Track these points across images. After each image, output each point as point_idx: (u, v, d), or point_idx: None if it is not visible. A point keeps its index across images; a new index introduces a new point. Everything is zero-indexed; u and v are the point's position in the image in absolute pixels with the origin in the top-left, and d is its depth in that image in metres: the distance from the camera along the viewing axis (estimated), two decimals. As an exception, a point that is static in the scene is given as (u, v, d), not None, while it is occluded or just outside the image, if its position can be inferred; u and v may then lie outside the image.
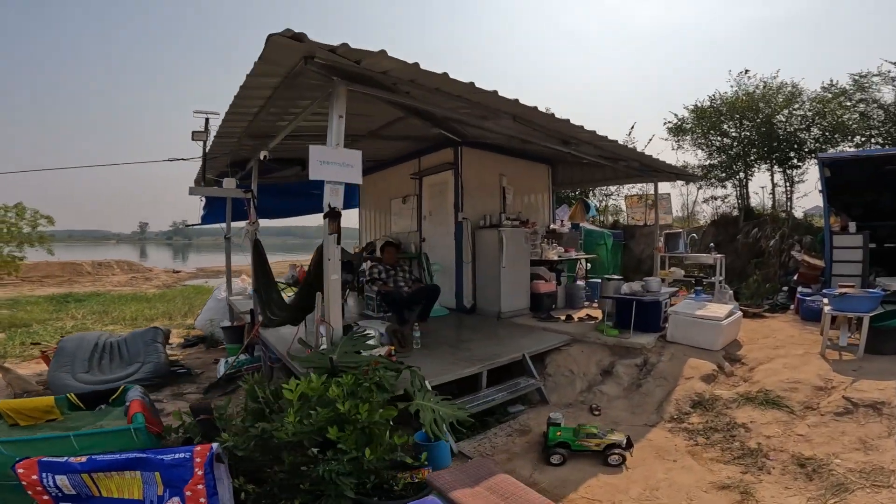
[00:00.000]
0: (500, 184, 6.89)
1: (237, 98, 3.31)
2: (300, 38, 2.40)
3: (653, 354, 4.41)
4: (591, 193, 12.25)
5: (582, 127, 4.35)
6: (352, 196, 9.05)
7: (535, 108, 3.62)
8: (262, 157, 4.65)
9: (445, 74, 3.03)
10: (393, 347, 3.55)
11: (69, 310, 10.16)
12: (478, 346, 4.35)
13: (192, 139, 4.70)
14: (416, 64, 2.83)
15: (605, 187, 12.29)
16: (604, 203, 12.83)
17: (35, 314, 9.43)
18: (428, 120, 4.44)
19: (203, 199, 7.32)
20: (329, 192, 2.92)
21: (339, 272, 2.96)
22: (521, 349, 4.20)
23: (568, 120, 4.19)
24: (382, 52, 2.68)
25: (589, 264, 8.20)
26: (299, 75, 2.99)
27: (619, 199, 12.75)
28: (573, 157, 6.70)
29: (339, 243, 2.96)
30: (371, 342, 3.28)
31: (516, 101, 3.55)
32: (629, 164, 5.97)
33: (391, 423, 2.25)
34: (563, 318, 5.64)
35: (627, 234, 10.64)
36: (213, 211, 7.49)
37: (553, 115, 3.92)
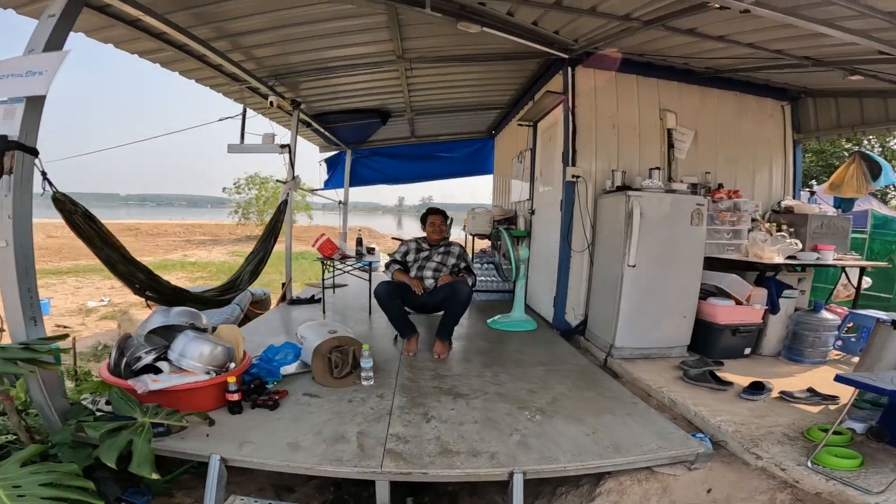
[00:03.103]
0: (661, 125, 3.98)
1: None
2: None
3: None
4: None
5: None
6: (487, 161, 7.40)
7: None
8: (270, 103, 3.78)
9: None
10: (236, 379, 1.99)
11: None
12: (455, 419, 2.18)
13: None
14: None
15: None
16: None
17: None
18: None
19: (323, 163, 7.12)
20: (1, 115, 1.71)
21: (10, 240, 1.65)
22: (525, 459, 1.88)
23: None
24: None
25: (870, 280, 4.10)
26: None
27: None
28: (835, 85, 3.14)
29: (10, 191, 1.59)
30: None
31: None
32: None
33: None
34: (742, 385, 2.67)
35: None
36: (335, 177, 7.25)
37: None
